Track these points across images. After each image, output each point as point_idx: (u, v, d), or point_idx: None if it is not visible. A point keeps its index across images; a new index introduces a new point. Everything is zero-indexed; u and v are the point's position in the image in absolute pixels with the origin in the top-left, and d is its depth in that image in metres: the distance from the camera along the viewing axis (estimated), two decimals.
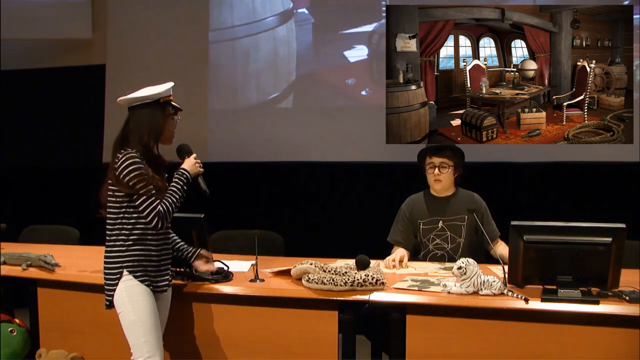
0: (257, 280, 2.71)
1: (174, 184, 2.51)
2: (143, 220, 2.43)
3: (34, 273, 3.03)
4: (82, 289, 2.92)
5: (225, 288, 2.70)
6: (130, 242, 2.44)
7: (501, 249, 3.05)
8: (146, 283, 2.46)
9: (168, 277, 2.59)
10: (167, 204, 2.44)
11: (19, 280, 3.08)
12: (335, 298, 2.53)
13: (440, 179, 3.16)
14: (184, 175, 2.54)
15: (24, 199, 5.52)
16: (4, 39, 5.25)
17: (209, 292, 2.70)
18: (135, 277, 2.43)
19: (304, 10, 4.86)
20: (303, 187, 4.93)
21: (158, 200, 2.42)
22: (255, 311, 2.68)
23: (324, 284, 2.54)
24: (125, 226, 2.44)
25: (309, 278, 2.58)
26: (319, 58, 4.83)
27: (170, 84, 2.54)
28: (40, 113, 5.57)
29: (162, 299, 2.58)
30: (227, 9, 5.05)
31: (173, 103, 2.54)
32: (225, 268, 2.79)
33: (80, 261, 3.20)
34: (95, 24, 5.47)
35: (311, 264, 2.66)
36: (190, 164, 2.59)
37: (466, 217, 3.15)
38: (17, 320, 3.18)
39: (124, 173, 2.39)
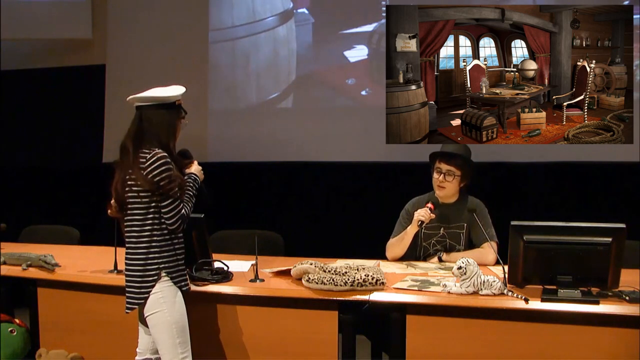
0: (257, 280, 2.71)
1: (189, 189, 2.52)
2: (167, 222, 2.42)
3: (34, 273, 3.02)
4: (82, 289, 2.92)
5: (225, 288, 2.70)
6: (163, 244, 2.44)
7: (478, 253, 2.97)
8: (180, 284, 2.48)
9: (187, 276, 2.60)
10: (187, 209, 2.47)
11: (19, 280, 3.08)
12: (335, 298, 2.53)
13: (444, 186, 3.07)
14: (196, 181, 2.57)
15: (24, 199, 5.51)
16: (4, 39, 5.24)
17: (209, 292, 2.69)
18: (172, 278, 2.45)
19: (304, 10, 4.86)
20: (303, 187, 4.93)
21: (183, 204, 2.44)
22: (255, 311, 2.68)
23: (324, 284, 2.53)
24: (155, 227, 2.42)
25: (309, 278, 2.58)
26: (319, 58, 4.83)
27: (182, 88, 2.54)
28: (40, 113, 5.56)
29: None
30: (227, 9, 5.04)
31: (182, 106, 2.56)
32: (225, 268, 2.79)
33: (80, 261, 3.20)
34: (95, 24, 5.47)
35: (311, 264, 2.66)
36: (198, 169, 2.62)
37: (465, 225, 3.10)
38: (17, 320, 3.18)
39: (155, 173, 2.38)
